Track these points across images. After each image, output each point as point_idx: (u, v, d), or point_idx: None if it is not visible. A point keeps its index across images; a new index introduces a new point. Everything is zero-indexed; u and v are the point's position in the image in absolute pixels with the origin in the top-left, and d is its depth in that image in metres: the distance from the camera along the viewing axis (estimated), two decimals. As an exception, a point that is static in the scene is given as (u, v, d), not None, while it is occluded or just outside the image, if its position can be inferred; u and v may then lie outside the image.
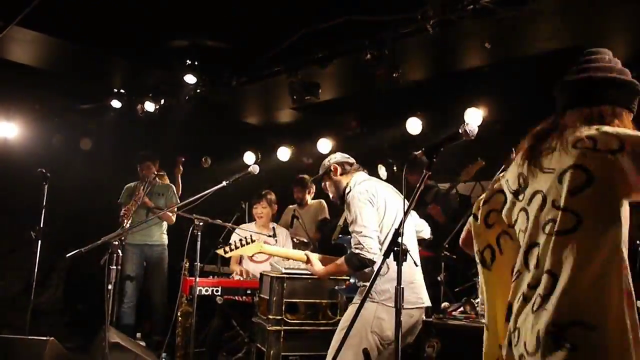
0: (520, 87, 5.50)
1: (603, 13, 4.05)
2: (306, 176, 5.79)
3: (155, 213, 5.55)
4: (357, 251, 2.85)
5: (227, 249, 3.72)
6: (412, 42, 4.63)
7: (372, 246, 2.83)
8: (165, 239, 5.99)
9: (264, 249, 3.81)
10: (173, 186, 6.04)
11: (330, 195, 3.40)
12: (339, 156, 3.40)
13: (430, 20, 4.19)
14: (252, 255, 4.97)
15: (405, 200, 3.02)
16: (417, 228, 3.33)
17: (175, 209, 5.46)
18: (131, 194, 5.77)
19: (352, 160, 3.38)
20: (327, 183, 3.36)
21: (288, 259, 3.93)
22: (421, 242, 4.59)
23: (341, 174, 3.31)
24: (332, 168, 3.33)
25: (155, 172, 5.98)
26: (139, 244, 5.87)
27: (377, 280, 2.84)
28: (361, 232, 2.87)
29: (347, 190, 3.19)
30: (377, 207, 2.98)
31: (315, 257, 3.40)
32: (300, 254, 3.59)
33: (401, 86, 4.95)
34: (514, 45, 4.59)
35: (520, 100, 5.71)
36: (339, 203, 3.32)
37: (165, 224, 5.96)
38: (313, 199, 5.98)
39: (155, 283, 5.87)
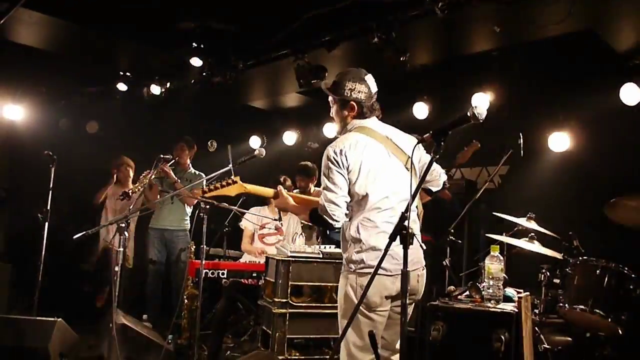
0: (529, 72, 5.46)
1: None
2: (310, 164, 5.74)
3: (177, 196, 5.59)
4: (322, 212, 2.78)
5: (206, 189, 3.57)
6: (420, 25, 4.59)
7: (336, 213, 2.75)
8: (186, 224, 6.04)
9: (246, 188, 3.43)
10: (203, 175, 5.87)
11: (333, 117, 3.07)
12: (364, 95, 2.89)
13: (438, 3, 4.15)
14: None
15: (404, 169, 2.94)
16: (429, 177, 3.00)
17: (199, 194, 5.51)
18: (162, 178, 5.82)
19: (375, 104, 2.95)
20: (335, 109, 2.99)
21: (262, 195, 3.68)
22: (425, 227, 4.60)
23: (354, 116, 2.93)
24: (350, 105, 2.91)
25: (190, 158, 6.10)
26: (159, 228, 5.95)
27: (352, 249, 2.79)
28: (327, 196, 2.77)
29: (343, 132, 2.95)
30: (346, 169, 2.78)
31: (286, 194, 3.15)
32: (269, 190, 3.30)
33: (408, 70, 4.91)
34: (524, 29, 4.53)
35: (528, 84, 5.67)
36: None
37: (188, 210, 6.04)
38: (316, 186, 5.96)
39: (176, 267, 5.93)
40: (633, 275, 3.74)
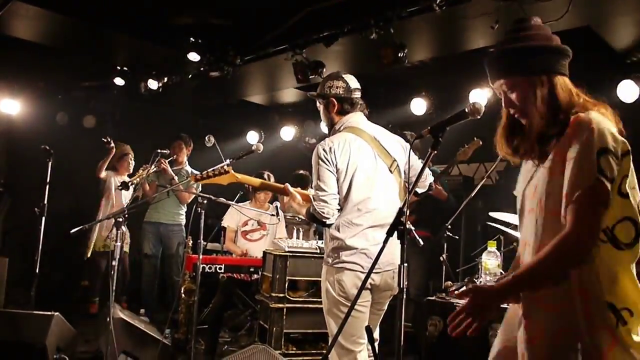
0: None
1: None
2: (305, 173, 5.75)
3: (174, 190, 5.62)
4: (313, 211, 2.85)
5: (198, 176, 3.60)
6: (418, 21, 4.58)
7: (325, 210, 2.81)
8: (182, 219, 6.07)
9: (237, 178, 3.54)
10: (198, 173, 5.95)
11: (322, 120, 3.16)
12: (342, 89, 3.00)
13: (437, -1, 4.15)
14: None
15: (398, 172, 2.98)
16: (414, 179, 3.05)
17: (194, 191, 5.53)
18: (159, 173, 5.83)
19: (356, 95, 3.02)
20: (321, 108, 3.10)
21: (262, 189, 3.70)
22: (420, 222, 4.59)
23: (337, 112, 3.02)
24: (330, 101, 3.02)
25: (187, 156, 6.12)
26: (154, 222, 5.96)
27: (331, 244, 2.88)
28: (318, 194, 2.83)
29: (332, 131, 3.01)
30: (335, 167, 2.84)
31: (293, 191, 3.24)
32: (278, 185, 3.42)
33: (406, 66, 4.91)
34: (522, 26, 4.53)
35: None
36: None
37: (183, 205, 6.07)
38: None
39: (171, 261, 5.95)
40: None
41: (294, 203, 3.24)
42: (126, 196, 6.13)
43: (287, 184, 3.30)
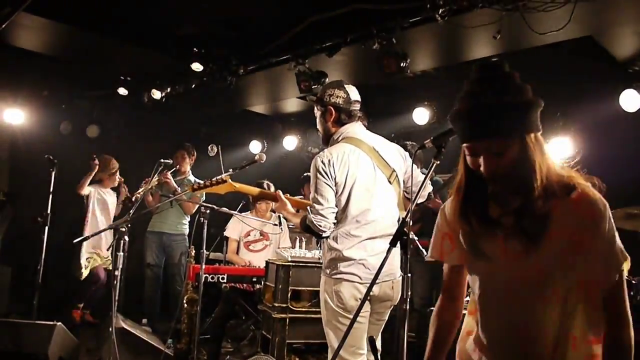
0: (528, 78, 5.46)
1: (614, 3, 4.00)
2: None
3: (177, 201, 5.63)
4: (310, 223, 2.84)
5: (195, 185, 3.62)
6: (420, 31, 4.59)
7: (322, 224, 2.81)
8: (185, 229, 6.08)
9: (235, 187, 3.56)
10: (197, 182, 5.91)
11: (318, 127, 3.12)
12: (342, 99, 2.95)
13: (439, 9, 4.15)
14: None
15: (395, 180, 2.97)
16: (415, 188, 2.96)
17: (197, 200, 5.52)
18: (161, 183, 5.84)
19: (355, 107, 2.97)
20: (318, 118, 3.05)
21: (260, 198, 3.82)
22: (424, 231, 4.58)
23: (333, 122, 2.98)
24: (328, 109, 2.98)
25: (189, 165, 6.12)
26: (157, 232, 5.96)
27: (328, 255, 2.86)
28: (316, 207, 2.81)
29: (330, 141, 2.99)
30: (333, 180, 2.82)
31: (285, 198, 3.23)
32: (272, 193, 3.44)
33: (409, 75, 4.92)
34: (524, 36, 4.54)
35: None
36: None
37: (186, 215, 6.08)
38: None
39: (174, 271, 5.95)
40: (633, 282, 3.73)
41: (283, 211, 3.23)
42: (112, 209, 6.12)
43: (279, 191, 3.29)
